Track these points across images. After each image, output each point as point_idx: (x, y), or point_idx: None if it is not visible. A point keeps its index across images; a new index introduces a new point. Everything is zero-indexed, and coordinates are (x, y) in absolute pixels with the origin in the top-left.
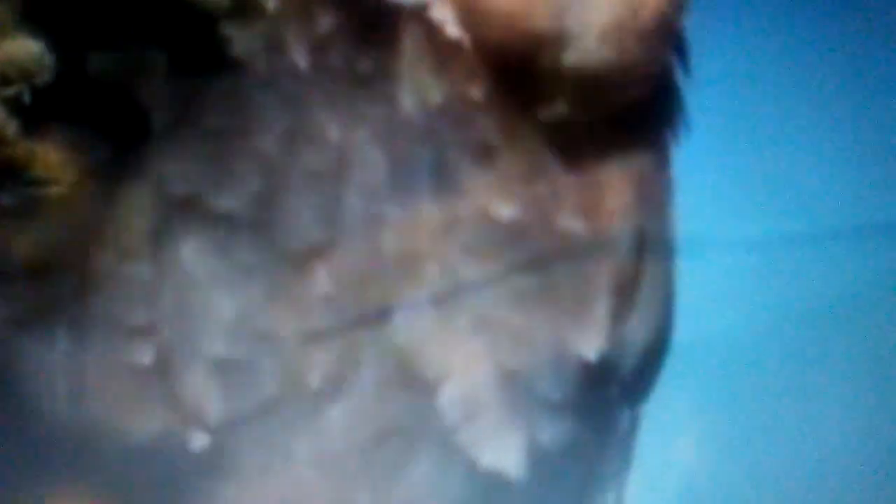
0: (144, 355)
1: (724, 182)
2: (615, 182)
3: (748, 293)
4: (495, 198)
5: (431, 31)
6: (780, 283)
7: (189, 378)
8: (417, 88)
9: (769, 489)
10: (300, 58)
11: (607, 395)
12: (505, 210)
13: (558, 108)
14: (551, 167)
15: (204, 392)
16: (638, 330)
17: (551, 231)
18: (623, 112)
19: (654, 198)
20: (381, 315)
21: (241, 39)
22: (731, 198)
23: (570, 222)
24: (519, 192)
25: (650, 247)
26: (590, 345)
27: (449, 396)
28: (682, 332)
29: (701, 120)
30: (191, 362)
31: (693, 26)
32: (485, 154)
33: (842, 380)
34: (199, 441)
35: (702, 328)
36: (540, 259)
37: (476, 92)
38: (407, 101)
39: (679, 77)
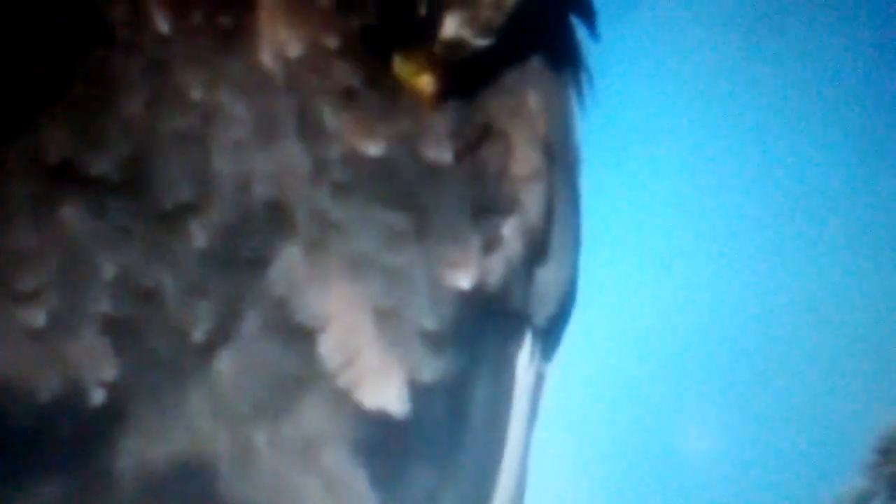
0: (36, 318)
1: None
2: (522, 144)
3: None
4: (361, 137)
5: None
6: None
7: (81, 338)
8: (276, 42)
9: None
10: (162, 21)
11: (492, 328)
12: (372, 147)
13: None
14: (415, 104)
15: (96, 350)
16: (549, 282)
17: (419, 164)
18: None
19: (565, 160)
20: (256, 266)
21: (107, 7)
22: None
23: (439, 154)
24: (384, 129)
25: (560, 206)
26: (464, 274)
27: (328, 342)
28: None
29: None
30: (81, 323)
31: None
32: (346, 97)
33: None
34: (96, 398)
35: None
36: (410, 193)
37: (333, 41)
38: (266, 56)
39: (575, 38)
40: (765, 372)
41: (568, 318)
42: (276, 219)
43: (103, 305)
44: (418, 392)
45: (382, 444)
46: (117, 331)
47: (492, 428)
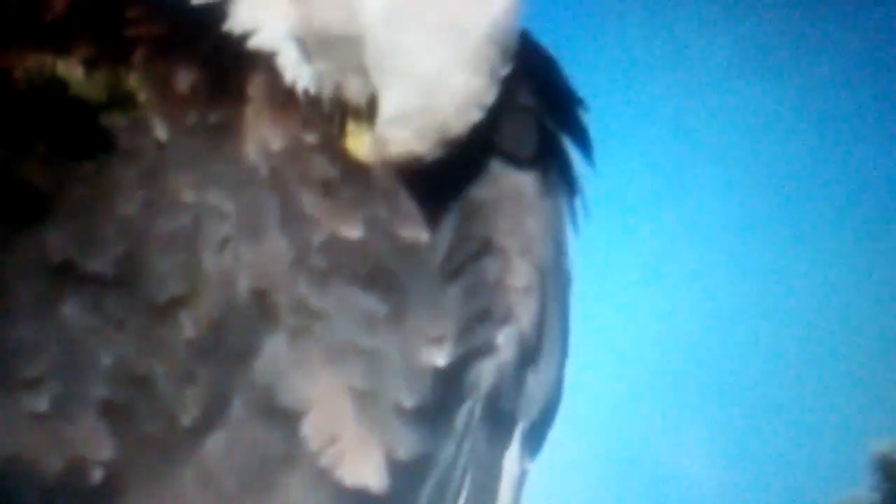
0: (39, 403)
1: None
2: (518, 260)
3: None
4: (340, 222)
5: (273, 80)
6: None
7: (80, 421)
8: (260, 137)
9: None
10: (161, 130)
11: (465, 407)
12: (350, 231)
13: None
14: (389, 190)
15: (95, 432)
16: (537, 387)
17: (395, 243)
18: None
19: (557, 278)
20: (243, 355)
21: (108, 115)
22: None
23: (413, 234)
24: (360, 214)
25: (550, 319)
26: (439, 352)
27: (310, 425)
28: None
29: None
30: (80, 407)
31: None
32: (325, 187)
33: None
34: (95, 476)
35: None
36: (387, 272)
37: (311, 136)
38: (251, 151)
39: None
40: (753, 388)
41: (552, 420)
42: (260, 309)
43: (101, 391)
44: (394, 468)
45: None
46: (113, 414)
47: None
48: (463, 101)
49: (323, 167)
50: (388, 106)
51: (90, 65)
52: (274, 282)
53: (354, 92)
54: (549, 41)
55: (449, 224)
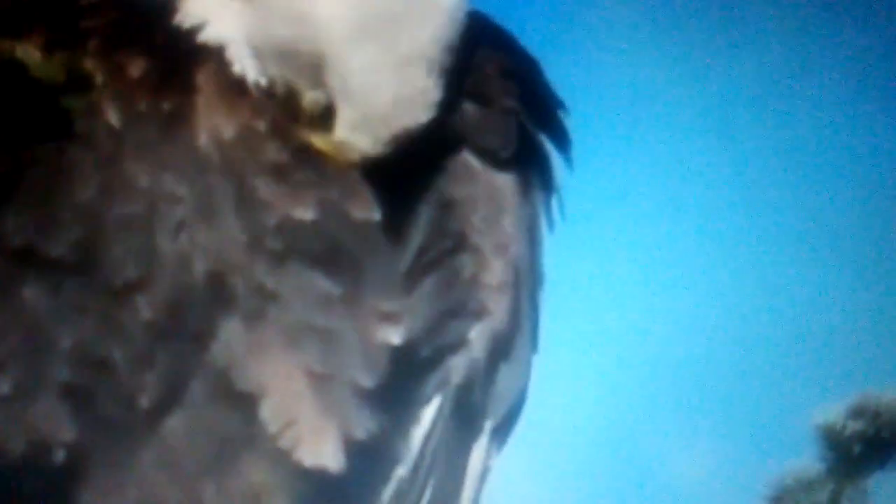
0: (2, 386)
1: None
2: (493, 258)
3: None
4: (293, 204)
5: (223, 71)
6: None
7: (43, 403)
8: (211, 125)
9: None
10: (114, 116)
11: (435, 400)
12: (304, 213)
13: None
14: (340, 172)
15: (57, 414)
16: (507, 383)
17: (349, 223)
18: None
19: (530, 277)
20: (200, 338)
21: (70, 106)
22: None
23: (366, 213)
24: (313, 196)
25: (522, 318)
26: (394, 330)
27: (268, 408)
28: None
29: None
30: (42, 390)
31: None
32: (277, 171)
33: None
34: (58, 457)
35: None
36: (341, 252)
37: (262, 124)
38: (203, 138)
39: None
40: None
41: (518, 417)
42: (216, 292)
43: (61, 374)
44: (352, 448)
45: (321, 495)
46: (74, 397)
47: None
48: (416, 103)
49: (274, 152)
50: (346, 115)
51: (47, 49)
52: (230, 264)
53: (309, 101)
54: (534, 38)
55: (423, 219)
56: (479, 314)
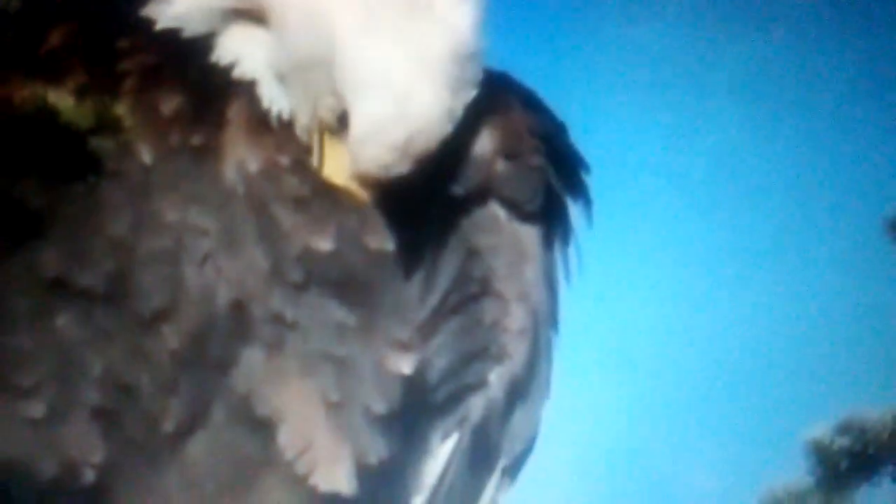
0: (36, 410)
1: None
2: (515, 304)
3: None
4: (313, 235)
5: (252, 106)
6: None
7: (74, 426)
8: (238, 159)
9: None
10: (146, 153)
11: (439, 422)
12: (323, 243)
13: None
14: (357, 206)
15: (87, 436)
16: (522, 423)
17: (365, 253)
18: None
19: (548, 323)
20: (222, 367)
21: (97, 140)
22: None
23: (380, 244)
24: (332, 227)
25: (539, 360)
26: (405, 359)
27: (285, 434)
28: None
29: None
30: (74, 413)
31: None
32: (298, 203)
33: None
34: (88, 477)
35: None
36: (357, 281)
37: (284, 159)
38: (230, 171)
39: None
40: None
41: (529, 456)
42: (238, 321)
43: (92, 397)
44: (364, 473)
45: None
46: (104, 419)
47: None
48: (430, 115)
49: (296, 185)
50: (359, 123)
51: (80, 93)
52: (251, 294)
53: (327, 111)
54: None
55: (450, 264)
56: (500, 357)
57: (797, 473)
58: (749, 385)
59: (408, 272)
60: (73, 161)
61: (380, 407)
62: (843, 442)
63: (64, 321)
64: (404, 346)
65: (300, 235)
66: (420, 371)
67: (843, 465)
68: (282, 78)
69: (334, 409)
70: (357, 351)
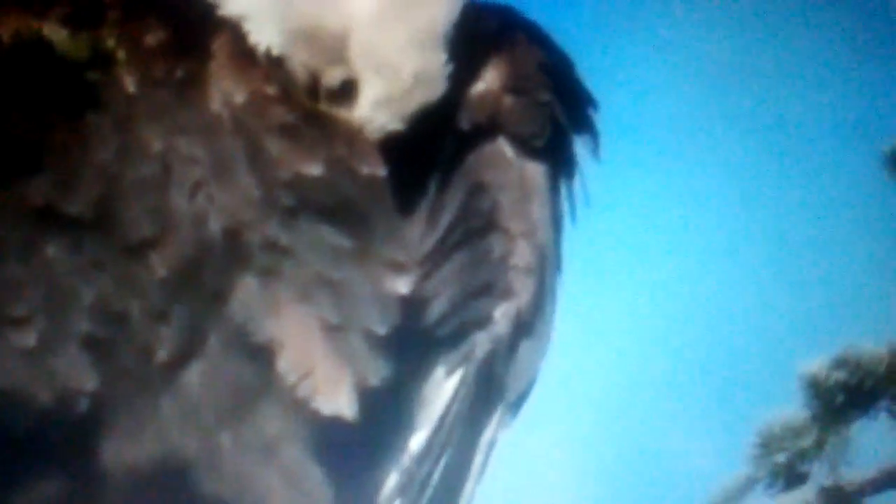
0: (29, 339)
1: None
2: (522, 242)
3: None
4: (303, 161)
5: (237, 41)
6: None
7: (66, 355)
8: (223, 91)
9: None
10: (131, 82)
11: (444, 357)
12: (313, 168)
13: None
14: (346, 131)
15: (79, 365)
16: (526, 361)
17: (356, 179)
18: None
19: (553, 263)
20: (216, 296)
21: (85, 70)
22: None
23: (372, 169)
24: (321, 153)
25: (544, 299)
26: (402, 279)
27: (285, 361)
28: None
29: None
30: (65, 342)
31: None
32: (286, 131)
33: None
34: (81, 406)
35: None
36: (350, 206)
37: (272, 90)
38: (215, 104)
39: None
40: None
41: (530, 394)
42: (232, 249)
43: (83, 326)
44: (366, 396)
45: (336, 442)
46: (95, 348)
47: (454, 478)
48: (432, 83)
49: (283, 114)
50: (371, 91)
51: (70, 25)
52: (244, 221)
53: (331, 79)
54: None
55: (455, 197)
56: (506, 294)
57: (793, 408)
58: (745, 320)
59: (411, 203)
60: (65, 92)
61: (379, 328)
62: (838, 376)
63: (53, 251)
64: (400, 267)
65: (290, 162)
66: (422, 299)
67: (839, 399)
68: (282, 31)
69: (333, 332)
70: (353, 274)
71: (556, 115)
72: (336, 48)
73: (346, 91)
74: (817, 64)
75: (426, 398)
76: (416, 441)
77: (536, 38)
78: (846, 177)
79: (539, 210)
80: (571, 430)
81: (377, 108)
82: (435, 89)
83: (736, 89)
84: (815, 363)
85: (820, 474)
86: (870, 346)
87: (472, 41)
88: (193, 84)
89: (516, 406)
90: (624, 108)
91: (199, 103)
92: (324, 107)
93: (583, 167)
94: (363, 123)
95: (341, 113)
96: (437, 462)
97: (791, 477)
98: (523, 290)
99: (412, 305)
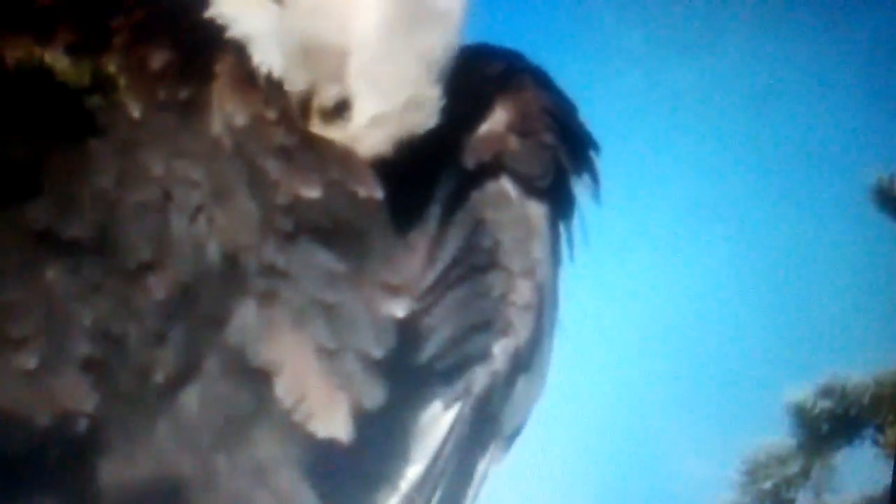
0: (29, 361)
1: None
2: (522, 280)
3: None
4: (301, 184)
5: (240, 63)
6: None
7: (66, 376)
8: (224, 114)
9: None
10: (133, 107)
11: (441, 391)
12: (311, 192)
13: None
14: (343, 156)
15: (78, 386)
16: (522, 397)
17: (354, 202)
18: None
19: (551, 301)
20: (214, 320)
21: (87, 95)
22: None
23: (368, 192)
24: (319, 176)
25: (542, 337)
26: (397, 303)
27: (281, 385)
28: None
29: None
30: (65, 363)
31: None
32: (285, 154)
33: None
34: (80, 427)
35: None
36: (347, 228)
37: (271, 112)
38: (216, 126)
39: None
40: None
41: (523, 429)
42: (230, 273)
43: (82, 348)
44: (361, 420)
45: (331, 466)
46: (94, 370)
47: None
48: (425, 109)
49: (282, 137)
50: (365, 112)
51: (74, 52)
52: (242, 245)
53: (326, 97)
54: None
55: (457, 234)
56: (505, 331)
57: (779, 436)
58: (731, 348)
59: (407, 228)
60: (65, 118)
61: (375, 351)
62: (824, 405)
63: (53, 273)
64: (396, 290)
65: (288, 184)
66: (422, 332)
67: (825, 427)
68: (284, 49)
69: (329, 356)
70: (349, 297)
71: (560, 156)
72: (335, 67)
73: (340, 109)
74: (803, 95)
75: (423, 430)
76: (413, 472)
77: (542, 81)
78: (833, 208)
79: (539, 249)
80: (553, 455)
81: (369, 127)
82: (428, 115)
83: (720, 128)
84: (801, 392)
85: (805, 501)
86: (855, 375)
87: (479, 82)
88: (196, 107)
89: (509, 441)
90: (609, 131)
91: (200, 126)
92: (317, 126)
93: (582, 209)
94: (354, 141)
95: (335, 132)
96: (432, 494)
97: None
98: (522, 327)
99: (412, 337)
